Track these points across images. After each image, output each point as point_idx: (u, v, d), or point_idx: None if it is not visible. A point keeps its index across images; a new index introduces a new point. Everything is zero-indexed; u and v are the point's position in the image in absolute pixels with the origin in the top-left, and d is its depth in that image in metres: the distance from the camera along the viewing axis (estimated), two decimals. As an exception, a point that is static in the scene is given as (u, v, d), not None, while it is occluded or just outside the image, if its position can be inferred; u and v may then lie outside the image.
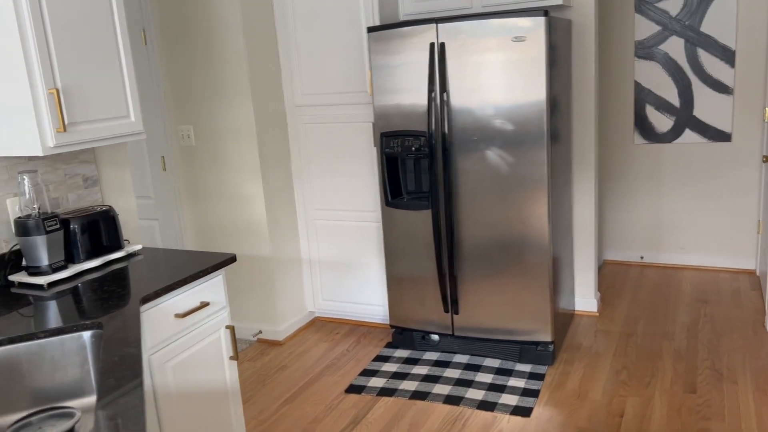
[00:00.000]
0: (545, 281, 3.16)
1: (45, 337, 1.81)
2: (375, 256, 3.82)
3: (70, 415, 1.73)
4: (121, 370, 1.54)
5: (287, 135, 3.88)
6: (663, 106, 4.47)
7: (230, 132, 3.64)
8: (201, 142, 3.74)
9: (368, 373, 3.35)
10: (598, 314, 3.89)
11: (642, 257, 4.74)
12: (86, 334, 1.84)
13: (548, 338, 3.23)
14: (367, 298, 3.92)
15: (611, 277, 4.53)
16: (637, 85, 4.51)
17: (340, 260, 3.93)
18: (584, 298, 3.91)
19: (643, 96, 4.51)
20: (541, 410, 2.88)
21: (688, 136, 4.43)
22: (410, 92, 3.22)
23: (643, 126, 4.56)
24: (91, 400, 1.83)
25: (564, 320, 3.57)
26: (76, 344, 1.84)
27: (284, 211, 3.87)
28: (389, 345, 3.67)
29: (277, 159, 3.79)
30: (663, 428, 2.66)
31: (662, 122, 4.49)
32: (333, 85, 3.68)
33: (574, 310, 3.92)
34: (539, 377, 3.17)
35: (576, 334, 3.65)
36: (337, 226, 3.89)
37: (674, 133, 4.47)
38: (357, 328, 3.94)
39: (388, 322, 3.92)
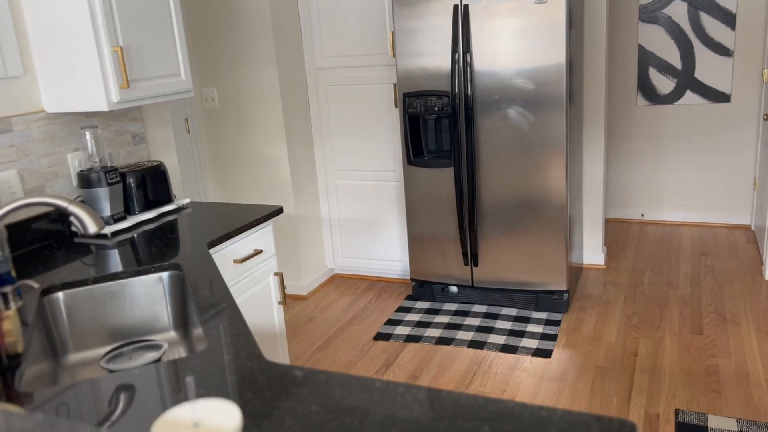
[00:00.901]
0: (562, 236, 3.36)
1: (127, 277, 1.96)
2: (394, 214, 3.99)
3: (157, 347, 1.89)
4: (214, 297, 1.70)
5: (308, 97, 3.99)
6: (665, 68, 4.64)
7: (254, 94, 3.75)
8: (225, 104, 3.85)
9: (393, 322, 3.54)
10: (605, 267, 4.11)
11: (642, 215, 4.96)
12: (164, 275, 1.99)
13: (563, 287, 3.44)
14: (387, 254, 4.09)
15: (614, 233, 4.75)
16: (641, 48, 4.67)
17: (360, 219, 4.09)
18: (592, 252, 4.12)
19: (646, 59, 4.68)
20: (560, 351, 3.09)
21: (689, 97, 4.62)
22: (434, 54, 3.35)
23: (645, 88, 4.73)
24: (169, 334, 1.99)
25: (575, 273, 3.78)
26: (155, 284, 1.99)
27: (306, 172, 4.00)
28: (409, 297, 3.86)
29: (300, 121, 3.91)
30: (675, 364, 2.89)
31: (664, 84, 4.67)
32: (353, 47, 3.79)
33: (583, 264, 4.13)
34: (556, 323, 3.38)
35: (586, 285, 3.86)
36: (357, 185, 4.04)
37: (676, 95, 4.65)
38: (376, 284, 4.12)
39: (406, 278, 4.11)
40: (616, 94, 4.84)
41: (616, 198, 5.02)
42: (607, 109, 4.88)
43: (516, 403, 1.09)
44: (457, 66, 3.31)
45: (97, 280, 1.94)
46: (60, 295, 1.88)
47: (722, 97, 4.53)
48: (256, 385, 1.21)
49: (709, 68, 4.52)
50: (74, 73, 2.20)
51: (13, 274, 1.80)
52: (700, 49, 4.51)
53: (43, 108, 2.30)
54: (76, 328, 1.90)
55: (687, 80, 4.60)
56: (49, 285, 1.87)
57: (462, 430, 1.01)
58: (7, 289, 1.63)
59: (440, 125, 3.54)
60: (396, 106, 3.81)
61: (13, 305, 1.59)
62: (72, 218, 1.75)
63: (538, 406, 1.06)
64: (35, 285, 1.66)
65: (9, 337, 1.37)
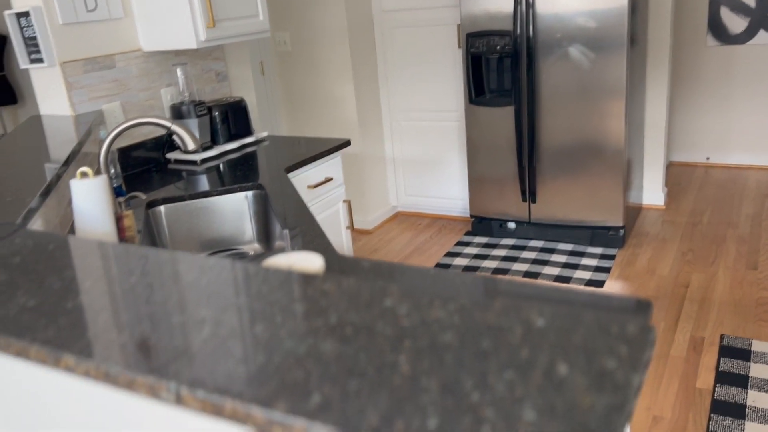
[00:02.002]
0: (619, 175, 3.44)
1: (217, 195, 2.23)
2: (455, 153, 4.15)
3: (244, 255, 2.17)
4: (294, 214, 1.94)
5: (374, 39, 4.15)
6: (738, 7, 4.52)
7: (324, 37, 3.94)
8: (296, 47, 4.06)
9: (452, 254, 3.75)
10: (665, 207, 4.16)
11: (708, 158, 4.93)
12: (249, 193, 2.25)
13: (619, 223, 3.54)
14: (447, 192, 4.28)
15: (677, 176, 4.76)
16: (713, -14, 4.56)
17: (422, 158, 4.28)
18: (652, 193, 4.17)
19: (718, -2, 4.57)
20: (612, 282, 3.23)
21: (762, 37, 4.50)
22: (496, -6, 3.44)
23: (716, 28, 4.63)
24: (254, 246, 2.27)
25: (633, 211, 3.87)
26: (240, 201, 2.25)
27: (371, 111, 4.20)
28: (468, 233, 4.05)
29: (366, 61, 4.09)
30: (725, 296, 2.99)
31: (736, 23, 4.56)
32: (419, -10, 3.91)
33: (642, 204, 4.20)
34: (610, 257, 3.51)
35: (644, 223, 3.94)
36: (420, 125, 4.21)
37: (748, 35, 4.54)
38: (437, 221, 4.33)
39: (465, 216, 4.29)
40: (685, 35, 4.76)
41: (682, 141, 4.99)
42: (674, 51, 4.81)
43: (549, 286, 1.28)
44: (519, 6, 3.39)
45: (192, 197, 2.22)
46: (162, 208, 2.18)
47: (798, 37, 4.40)
48: (331, 270, 1.44)
49: (785, 6, 4.38)
50: (167, 15, 2.45)
51: (124, 188, 2.10)
52: (776, -13, 4.37)
53: (140, 47, 2.57)
54: (175, 237, 2.20)
55: (760, 19, 4.48)
56: (152, 200, 2.17)
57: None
58: (121, 199, 1.92)
59: (502, 65, 3.64)
60: (459, 46, 3.93)
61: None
62: (174, 136, 2.02)
63: (571, 288, 1.25)
64: (143, 196, 1.94)
65: (129, 231, 1.66)
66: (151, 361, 0.73)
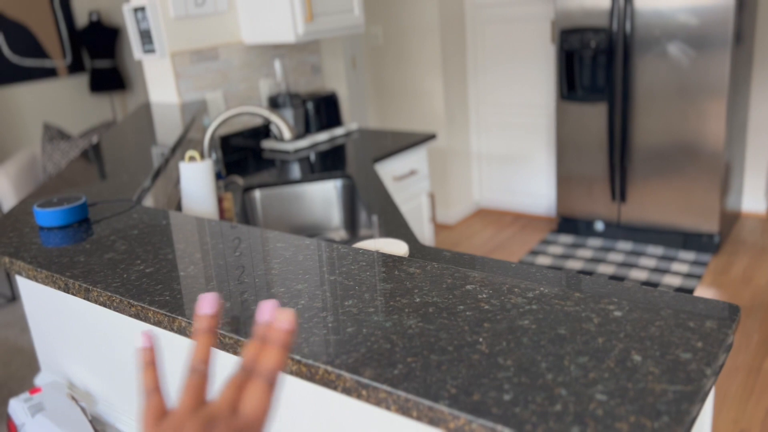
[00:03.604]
0: (717, 179, 3.30)
1: (308, 182, 2.34)
2: (542, 150, 4.10)
3: (332, 241, 2.26)
4: (380, 204, 2.01)
5: (465, 34, 4.17)
6: None
7: (415, 31, 4.00)
8: (388, 41, 4.14)
9: (535, 253, 3.73)
10: (766, 215, 3.95)
11: (818, 165, 4.61)
12: (338, 182, 2.34)
13: (714, 229, 3.40)
14: (532, 190, 4.24)
15: (782, 183, 4.48)
16: (834, -19, 4.25)
17: (507, 154, 4.26)
18: (753, 199, 3.96)
19: (838, -7, 4.26)
20: (704, 290, 3.12)
21: None
22: (593, -11, 3.37)
23: (835, 26, 4.32)
24: (340, 232, 2.36)
25: (730, 218, 3.69)
26: (329, 189, 2.35)
27: (459, 106, 4.22)
28: (553, 232, 4.00)
29: (455, 56, 4.11)
30: (829, 311, 2.82)
31: None
32: (513, -15, 3.89)
33: (740, 211, 4.00)
34: (703, 264, 3.37)
35: (742, 231, 3.76)
36: (507, 121, 4.19)
37: None
38: (520, 218, 4.30)
39: (550, 214, 4.24)
40: (799, 33, 4.46)
41: (789, 146, 4.69)
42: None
43: (634, 284, 1.28)
44: (617, 2, 3.31)
45: (284, 184, 2.34)
46: (257, 193, 2.31)
47: None
48: (414, 259, 1.50)
49: None
50: (268, 9, 2.57)
51: (223, 173, 2.24)
52: None
53: (242, 39, 2.72)
54: (268, 221, 2.32)
55: None
56: (249, 185, 2.30)
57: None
58: (221, 182, 2.06)
59: (596, 62, 3.57)
60: (553, 41, 3.87)
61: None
62: (272, 126, 2.13)
63: (654, 288, 1.24)
64: (240, 181, 2.07)
65: (228, 212, 1.78)
66: (252, 327, 0.81)
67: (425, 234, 2.87)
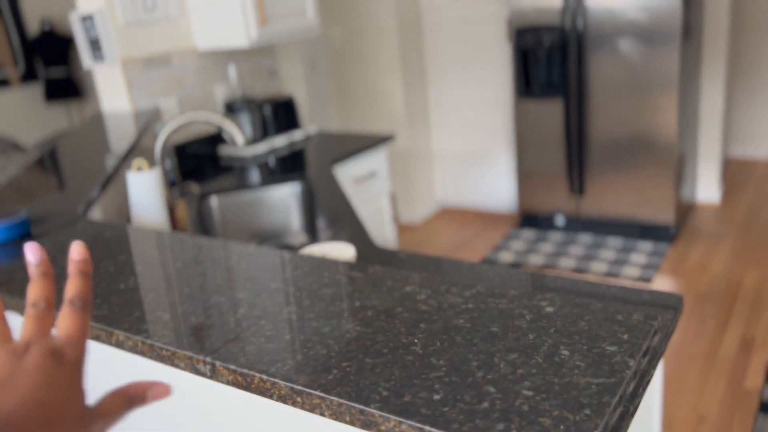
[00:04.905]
0: (671, 171, 3.38)
1: (265, 188, 2.33)
2: (502, 147, 4.15)
3: (291, 246, 2.25)
4: (338, 207, 2.01)
5: (422, 34, 4.19)
6: (804, -4, 4.34)
7: (374, 32, 4.00)
8: (347, 43, 4.14)
9: (498, 249, 3.76)
10: (720, 205, 4.05)
11: (769, 154, 4.75)
12: (296, 186, 2.34)
13: (670, 220, 3.48)
14: (494, 187, 4.28)
15: (735, 172, 4.61)
16: (777, -25, 4.39)
17: (468, 152, 4.29)
18: (707, 189, 4.06)
19: (782, -13, 4.39)
20: (662, 278, 3.18)
21: (830, 27, 4.31)
22: (545, -12, 3.42)
23: (780, 19, 4.46)
24: (299, 237, 2.35)
25: (685, 208, 3.78)
26: (288, 194, 2.34)
27: (419, 106, 4.24)
28: (515, 228, 4.04)
29: (414, 57, 4.13)
30: (780, 296, 2.90)
31: (802, 14, 4.38)
32: (468, -15, 3.92)
33: (695, 201, 4.09)
34: (660, 254, 3.45)
35: (697, 220, 3.85)
36: (467, 119, 4.22)
37: (814, 25, 4.35)
38: (483, 216, 4.34)
39: (512, 211, 4.28)
40: (746, 27, 4.60)
41: (742, 136, 4.83)
42: (734, 43, 4.65)
43: (584, 280, 1.30)
44: (568, 0, 3.36)
45: (242, 189, 2.32)
46: (214, 200, 2.28)
47: None
48: (369, 261, 1.50)
49: None
50: (220, 14, 2.55)
51: (179, 181, 2.21)
52: None
53: (195, 45, 2.69)
54: (226, 228, 2.30)
55: (828, 8, 4.28)
56: (205, 191, 2.28)
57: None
58: (174, 190, 2.03)
59: (550, 59, 3.62)
60: (509, 40, 3.92)
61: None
62: (224, 133, 2.12)
63: (603, 283, 1.27)
64: (196, 188, 2.05)
65: (182, 221, 1.76)
66: (191, 338, 0.81)
67: (387, 235, 2.88)
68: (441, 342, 0.73)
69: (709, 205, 4.07)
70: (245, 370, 0.73)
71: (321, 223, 2.26)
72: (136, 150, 2.11)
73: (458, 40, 4.08)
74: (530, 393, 0.62)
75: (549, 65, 3.62)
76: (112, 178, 1.75)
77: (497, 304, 0.81)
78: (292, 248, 2.24)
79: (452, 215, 4.40)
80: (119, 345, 0.85)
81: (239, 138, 1.90)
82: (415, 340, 0.74)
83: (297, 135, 2.92)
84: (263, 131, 2.83)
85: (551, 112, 3.62)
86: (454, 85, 4.19)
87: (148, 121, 2.34)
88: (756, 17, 4.55)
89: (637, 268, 3.32)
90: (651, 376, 0.78)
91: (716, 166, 4.00)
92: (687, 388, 2.39)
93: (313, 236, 2.33)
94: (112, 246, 1.16)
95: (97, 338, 0.87)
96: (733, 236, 3.58)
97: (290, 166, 2.52)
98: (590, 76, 3.44)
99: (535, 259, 3.57)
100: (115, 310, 0.90)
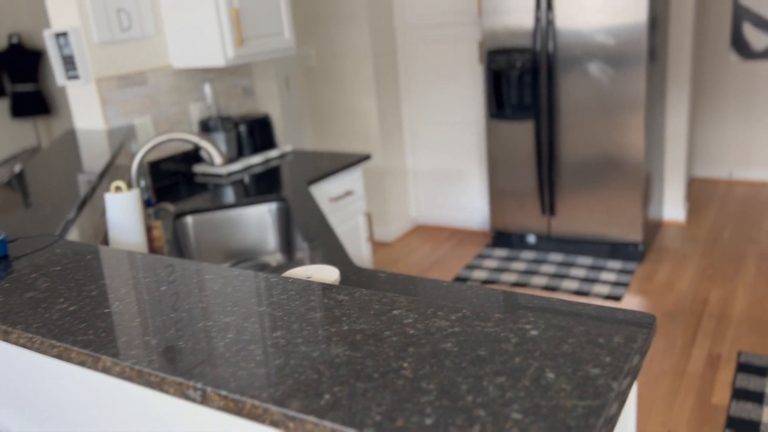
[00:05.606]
0: (639, 190, 3.47)
1: (242, 207, 2.33)
2: (475, 166, 4.21)
3: (267, 266, 2.25)
4: (315, 226, 2.02)
5: (396, 54, 4.24)
6: (761, 23, 4.52)
7: (348, 52, 4.04)
8: (321, 62, 4.17)
9: (471, 267, 3.80)
10: (686, 223, 4.16)
11: (731, 173, 4.91)
12: (272, 206, 2.34)
13: (639, 238, 3.56)
14: (467, 205, 4.33)
15: (699, 191, 4.75)
16: (735, 2, 4.56)
17: (442, 171, 4.34)
18: (673, 208, 4.18)
19: (740, 13, 4.57)
20: (631, 297, 3.26)
21: (786, 53, 4.49)
22: (517, 12, 3.50)
23: (739, 44, 4.64)
24: (276, 256, 2.35)
25: (653, 227, 3.88)
26: (264, 213, 2.34)
27: (393, 125, 4.28)
28: (488, 246, 4.09)
29: (388, 76, 4.18)
30: (744, 313, 2.99)
31: (759, 40, 4.56)
32: (440, 6, 3.99)
33: (662, 219, 4.20)
34: (629, 272, 3.53)
35: (664, 239, 3.95)
36: (440, 139, 4.28)
37: (771, 51, 4.54)
38: (457, 234, 4.38)
39: (485, 229, 4.34)
40: (707, 50, 4.77)
41: (705, 157, 4.98)
42: (696, 66, 4.82)
43: (559, 299, 1.33)
44: (539, 23, 3.45)
45: (218, 208, 2.31)
46: (189, 219, 2.27)
47: (822, 53, 4.39)
48: (348, 281, 1.52)
49: (809, 22, 4.37)
50: (196, 33, 2.56)
51: (153, 200, 2.20)
52: (800, 3, 4.37)
53: (171, 64, 2.69)
54: (202, 248, 2.29)
55: (784, 35, 4.47)
56: (180, 211, 2.27)
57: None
58: (150, 210, 2.02)
59: (522, 81, 3.70)
60: (481, 62, 3.99)
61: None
62: (202, 151, 2.11)
63: (578, 302, 1.30)
64: (171, 208, 2.04)
65: (158, 241, 1.75)
66: (180, 363, 0.81)
67: (363, 254, 2.89)
68: (430, 366, 0.75)
69: (675, 223, 4.18)
70: (237, 396, 0.73)
71: (298, 243, 2.26)
72: (111, 169, 2.09)
73: (432, 61, 4.15)
74: (519, 416, 0.64)
75: (520, 86, 3.70)
76: (88, 199, 1.73)
77: (483, 327, 0.83)
78: (269, 267, 2.24)
79: (426, 232, 4.44)
80: (106, 371, 0.85)
81: (217, 157, 1.90)
82: (405, 365, 0.76)
83: (273, 153, 2.93)
84: (239, 150, 2.83)
85: (523, 132, 3.70)
86: (428, 104, 4.25)
87: (122, 140, 2.33)
88: (717, 42, 4.72)
89: (607, 286, 3.39)
90: (628, 394, 0.81)
91: (681, 186, 4.11)
92: (657, 404, 2.45)
93: (289, 256, 2.33)
94: (93, 269, 1.15)
95: (83, 364, 0.87)
96: (698, 254, 3.68)
97: (266, 184, 2.52)
98: (560, 98, 3.53)
99: (508, 277, 3.62)
100: (102, 335, 0.90)
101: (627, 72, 3.32)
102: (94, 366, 0.86)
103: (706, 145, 4.96)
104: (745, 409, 2.34)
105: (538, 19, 3.44)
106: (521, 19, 3.50)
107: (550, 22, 3.42)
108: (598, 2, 3.29)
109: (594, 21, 3.32)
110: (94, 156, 2.20)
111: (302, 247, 2.18)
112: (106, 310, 0.98)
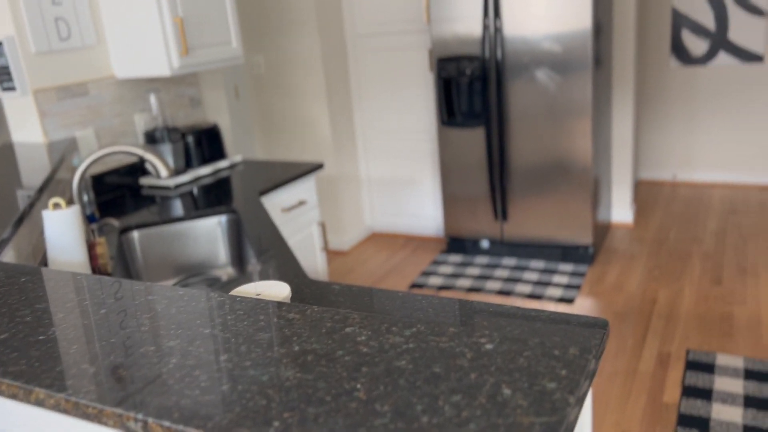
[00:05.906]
0: (588, 194, 3.54)
1: (190, 220, 2.26)
2: (428, 173, 4.22)
3: (218, 280, 2.19)
4: (266, 236, 1.98)
5: (347, 62, 4.23)
6: (698, 30, 4.69)
7: (298, 60, 4.00)
8: (271, 70, 4.12)
9: (427, 274, 3.80)
10: (633, 225, 4.27)
11: (675, 175, 5.06)
12: (222, 218, 2.28)
13: (589, 241, 3.63)
14: (421, 212, 4.34)
15: (645, 194, 4.88)
16: (674, 10, 4.72)
17: (395, 178, 4.34)
18: (621, 211, 4.27)
19: (679, 21, 4.73)
20: (583, 299, 3.31)
21: (722, 58, 4.67)
22: (466, 20, 3.53)
23: (678, 50, 4.79)
24: (227, 270, 2.29)
25: (602, 229, 3.96)
26: (214, 226, 2.28)
27: (346, 133, 4.26)
28: (443, 252, 4.10)
29: (340, 85, 4.15)
30: (691, 312, 3.07)
31: (697, 46, 4.72)
32: (391, 14, 3.99)
33: (610, 222, 4.30)
34: (580, 275, 3.58)
35: (613, 241, 4.04)
36: (393, 147, 4.27)
37: (709, 56, 4.71)
38: (411, 241, 4.38)
39: (440, 235, 4.35)
40: (649, 57, 4.91)
41: (649, 159, 5.13)
42: (639, 72, 4.96)
43: (513, 306, 1.33)
44: (487, 31, 3.49)
45: (165, 222, 2.24)
46: (135, 234, 2.20)
47: (755, 58, 4.57)
48: (302, 294, 1.48)
49: (742, 29, 4.55)
50: (140, 42, 2.48)
51: (97, 215, 2.11)
52: (733, 10, 4.54)
53: (114, 74, 2.60)
54: (149, 263, 2.22)
55: (720, 41, 4.64)
56: (125, 226, 2.19)
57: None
58: (94, 226, 1.94)
59: (472, 88, 3.73)
60: (431, 70, 4.01)
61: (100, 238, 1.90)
62: (147, 164, 2.05)
63: (533, 309, 1.30)
64: (116, 223, 1.96)
65: (102, 259, 1.68)
66: (119, 393, 0.77)
67: (318, 264, 2.85)
68: (384, 386, 0.73)
69: (623, 224, 4.28)
70: (180, 427, 0.70)
71: (249, 255, 2.21)
72: (51, 184, 2.00)
73: (384, 69, 4.14)
74: (476, 436, 0.63)
75: (470, 94, 3.73)
76: (26, 216, 1.65)
77: (438, 342, 0.81)
78: (220, 282, 2.18)
79: (381, 240, 4.42)
80: (39, 404, 0.80)
81: (163, 171, 1.84)
82: (358, 386, 0.73)
83: (222, 164, 2.86)
84: (187, 161, 2.76)
85: (474, 139, 3.72)
86: (380, 112, 4.24)
87: (63, 154, 2.23)
88: (658, 48, 4.87)
89: (560, 289, 3.44)
90: (584, 400, 0.81)
91: (628, 188, 4.22)
92: (611, 404, 2.48)
93: (241, 269, 2.28)
94: (28, 292, 1.09)
95: (14, 397, 0.81)
96: (646, 255, 3.77)
97: (216, 196, 2.46)
98: (510, 104, 3.57)
99: (463, 283, 3.63)
100: (35, 365, 0.85)
101: (573, 78, 3.39)
102: (27, 399, 0.80)
103: (651, 148, 5.10)
104: (695, 407, 2.40)
105: (486, 27, 3.48)
106: (469, 27, 3.53)
107: (498, 30, 3.46)
108: (544, 10, 3.34)
109: (541, 28, 3.37)
110: (32, 170, 2.10)
111: (254, 260, 2.13)
112: (41, 338, 0.92)
